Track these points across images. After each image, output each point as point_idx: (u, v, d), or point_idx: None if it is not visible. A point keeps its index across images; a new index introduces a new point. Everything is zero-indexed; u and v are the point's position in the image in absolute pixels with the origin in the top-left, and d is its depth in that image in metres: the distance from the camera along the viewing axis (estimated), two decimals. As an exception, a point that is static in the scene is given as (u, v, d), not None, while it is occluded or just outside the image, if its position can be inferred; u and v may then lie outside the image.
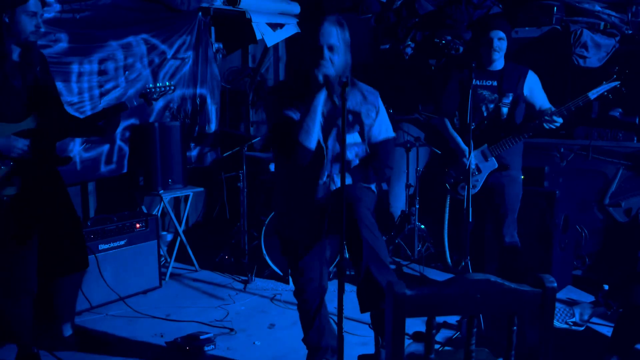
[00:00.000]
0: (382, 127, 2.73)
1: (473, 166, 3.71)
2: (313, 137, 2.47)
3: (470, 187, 3.69)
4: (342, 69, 2.52)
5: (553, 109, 3.62)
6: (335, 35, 2.48)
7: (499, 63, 3.75)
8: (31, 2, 2.86)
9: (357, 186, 2.70)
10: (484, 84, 3.73)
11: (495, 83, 3.71)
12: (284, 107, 2.58)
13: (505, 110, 3.71)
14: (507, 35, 3.70)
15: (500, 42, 3.66)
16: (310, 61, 2.48)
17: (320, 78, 2.42)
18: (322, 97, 2.46)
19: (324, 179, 2.64)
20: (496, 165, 3.73)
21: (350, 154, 2.65)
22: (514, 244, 3.82)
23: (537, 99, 3.74)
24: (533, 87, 3.74)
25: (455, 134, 3.82)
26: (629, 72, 4.33)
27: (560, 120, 3.53)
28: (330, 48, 2.48)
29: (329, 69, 2.45)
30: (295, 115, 2.55)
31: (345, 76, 2.55)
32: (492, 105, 3.72)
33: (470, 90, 3.38)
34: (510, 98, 3.70)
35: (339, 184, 2.61)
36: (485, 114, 3.74)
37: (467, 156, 3.52)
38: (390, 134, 2.77)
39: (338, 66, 2.50)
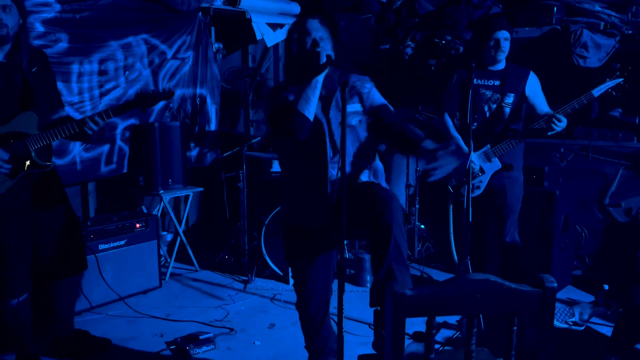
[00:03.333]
0: (380, 96, 2.77)
1: (477, 167, 3.70)
2: (312, 107, 2.50)
3: (474, 188, 3.71)
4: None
5: (552, 112, 3.61)
6: (321, 29, 2.60)
7: (501, 63, 3.75)
8: None
9: (377, 184, 2.70)
10: (486, 83, 3.72)
11: (497, 82, 3.71)
12: (281, 92, 2.65)
13: (507, 110, 3.70)
14: (511, 36, 3.71)
15: (505, 43, 3.66)
16: (306, 51, 2.57)
17: (324, 57, 2.47)
18: (323, 74, 2.51)
19: (335, 159, 2.63)
20: (499, 166, 3.72)
21: (353, 121, 2.67)
22: (514, 243, 3.81)
23: (538, 101, 3.74)
24: (534, 89, 3.74)
25: (456, 134, 3.80)
26: (629, 72, 4.33)
27: (564, 120, 3.50)
28: (321, 39, 2.58)
29: (328, 51, 2.55)
30: (292, 97, 2.60)
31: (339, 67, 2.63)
32: (494, 105, 3.71)
33: (470, 91, 3.33)
34: (512, 98, 3.70)
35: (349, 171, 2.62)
36: (487, 114, 3.73)
37: (471, 160, 3.51)
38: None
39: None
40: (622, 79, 3.57)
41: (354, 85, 2.70)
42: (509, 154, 3.72)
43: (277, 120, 2.57)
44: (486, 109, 3.73)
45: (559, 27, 4.65)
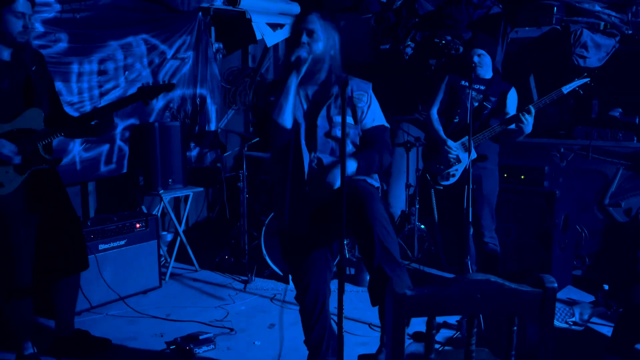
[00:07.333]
0: (375, 115, 2.73)
1: (453, 155, 3.88)
2: (286, 115, 2.50)
3: (449, 176, 3.92)
4: (320, 59, 2.54)
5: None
6: (316, 23, 2.50)
7: (487, 73, 4.01)
8: (19, 2, 2.84)
9: (361, 181, 2.69)
10: (472, 86, 3.90)
11: (482, 87, 3.99)
12: (269, 94, 2.61)
13: (488, 106, 3.96)
14: (490, 51, 3.98)
15: (480, 58, 3.94)
16: (288, 47, 2.53)
17: (292, 58, 2.45)
18: (294, 77, 2.49)
19: (311, 156, 2.62)
20: (475, 155, 3.86)
21: (340, 133, 2.65)
22: (494, 248, 3.87)
23: (511, 112, 3.97)
24: (512, 102, 4.00)
25: (438, 126, 4.02)
26: (629, 72, 4.33)
27: (532, 111, 3.69)
28: (310, 33, 2.50)
29: (303, 51, 2.47)
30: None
31: (338, 74, 2.60)
32: (476, 104, 3.96)
33: (470, 90, 3.56)
34: (493, 102, 3.97)
35: (326, 162, 2.61)
36: (469, 110, 3.85)
37: (447, 147, 3.85)
38: (384, 123, 2.77)
39: (316, 53, 2.53)
40: (589, 79, 3.78)
41: (350, 95, 2.64)
42: (483, 145, 3.90)
43: (258, 123, 2.61)
44: (468, 105, 3.84)
45: (559, 27, 4.65)
